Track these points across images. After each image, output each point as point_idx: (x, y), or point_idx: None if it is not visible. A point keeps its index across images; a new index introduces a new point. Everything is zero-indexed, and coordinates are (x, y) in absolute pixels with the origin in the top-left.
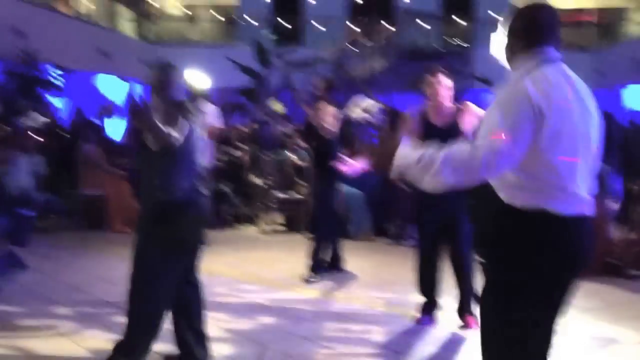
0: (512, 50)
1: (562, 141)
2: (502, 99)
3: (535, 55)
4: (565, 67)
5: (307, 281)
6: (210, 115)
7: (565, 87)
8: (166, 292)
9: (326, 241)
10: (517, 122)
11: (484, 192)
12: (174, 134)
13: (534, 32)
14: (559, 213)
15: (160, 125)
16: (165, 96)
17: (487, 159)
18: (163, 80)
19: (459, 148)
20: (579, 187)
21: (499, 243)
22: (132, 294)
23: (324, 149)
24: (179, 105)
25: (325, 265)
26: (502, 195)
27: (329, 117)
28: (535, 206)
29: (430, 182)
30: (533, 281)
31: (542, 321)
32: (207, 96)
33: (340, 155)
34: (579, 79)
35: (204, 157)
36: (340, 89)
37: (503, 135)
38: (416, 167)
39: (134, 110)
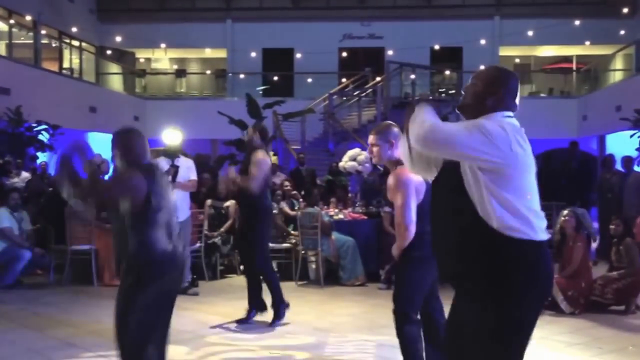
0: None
1: None
2: None
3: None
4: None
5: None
6: (187, 169)
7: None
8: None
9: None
10: None
11: None
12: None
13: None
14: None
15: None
16: (127, 161)
17: None
18: (126, 145)
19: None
20: None
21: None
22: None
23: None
24: (142, 168)
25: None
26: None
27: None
28: None
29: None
30: None
31: None
32: (182, 151)
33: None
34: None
35: (174, 213)
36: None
37: None
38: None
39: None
